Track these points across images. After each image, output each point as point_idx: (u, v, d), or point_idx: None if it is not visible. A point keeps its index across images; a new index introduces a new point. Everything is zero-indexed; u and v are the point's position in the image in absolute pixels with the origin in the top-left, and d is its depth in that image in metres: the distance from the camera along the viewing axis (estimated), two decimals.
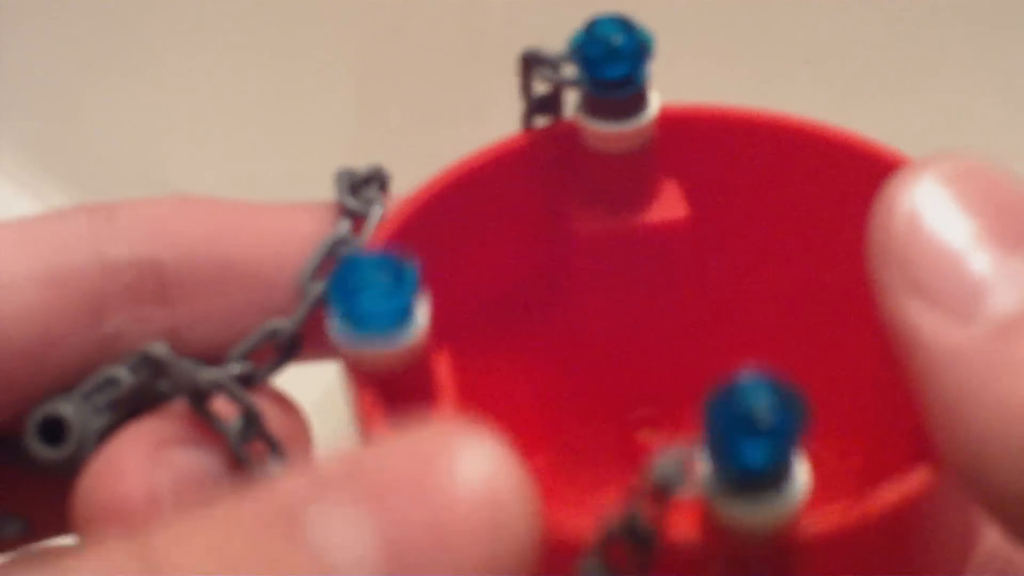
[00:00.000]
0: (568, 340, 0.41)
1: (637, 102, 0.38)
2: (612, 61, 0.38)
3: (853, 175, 0.38)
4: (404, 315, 0.33)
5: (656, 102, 0.38)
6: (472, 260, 0.39)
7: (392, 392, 0.33)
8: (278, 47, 0.63)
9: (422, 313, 0.33)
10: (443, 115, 0.62)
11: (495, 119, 0.62)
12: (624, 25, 0.38)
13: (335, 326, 0.32)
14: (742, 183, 0.40)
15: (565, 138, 0.39)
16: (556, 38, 0.57)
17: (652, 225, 0.39)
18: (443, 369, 0.35)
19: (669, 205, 0.39)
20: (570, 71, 0.38)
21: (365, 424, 0.32)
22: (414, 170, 0.63)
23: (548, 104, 0.39)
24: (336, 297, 0.32)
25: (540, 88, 0.39)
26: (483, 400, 0.37)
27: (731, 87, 0.61)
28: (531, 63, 0.38)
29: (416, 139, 0.63)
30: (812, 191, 0.39)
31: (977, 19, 0.60)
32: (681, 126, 0.39)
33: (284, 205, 0.38)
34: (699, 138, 0.39)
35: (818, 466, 0.29)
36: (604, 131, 0.38)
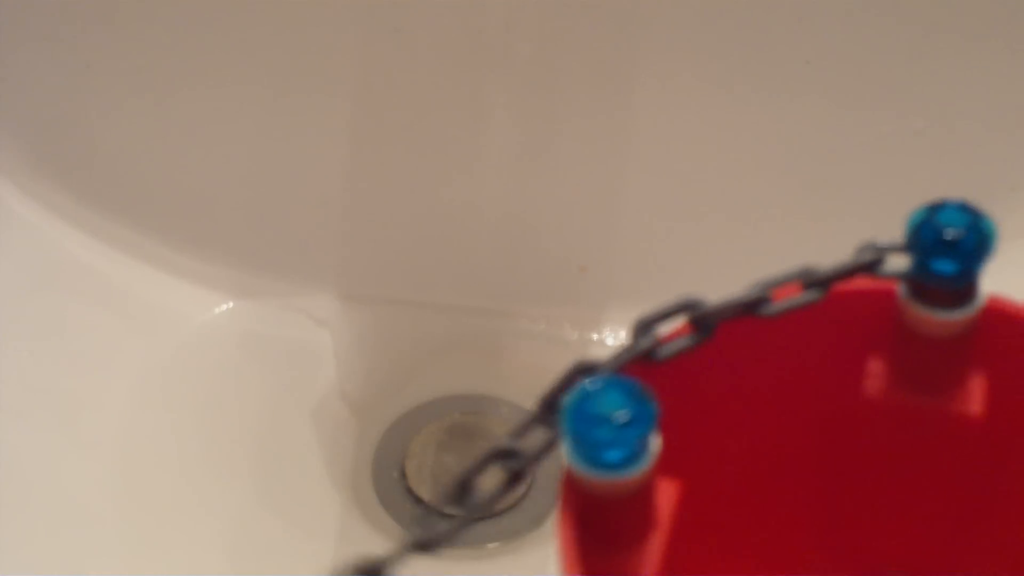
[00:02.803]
0: (819, 490, 0.42)
1: (965, 294, 0.38)
2: (947, 257, 0.37)
3: None
4: (635, 451, 0.35)
5: (984, 292, 0.38)
6: (743, 395, 0.40)
7: (607, 510, 0.36)
8: (278, 48, 0.63)
9: (653, 447, 0.35)
10: (443, 116, 0.62)
11: (495, 120, 0.61)
12: (968, 218, 0.37)
13: (567, 446, 0.35)
14: None
15: (879, 302, 0.39)
16: (556, 39, 0.55)
17: (947, 414, 0.39)
18: (667, 497, 0.37)
19: (970, 397, 0.39)
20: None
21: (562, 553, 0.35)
22: (414, 171, 0.63)
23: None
24: (572, 421, 0.34)
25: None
26: (707, 530, 0.39)
27: (731, 87, 0.60)
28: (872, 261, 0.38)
29: (416, 139, 0.63)
30: None
31: (976, 20, 0.57)
32: (1007, 322, 0.39)
33: None
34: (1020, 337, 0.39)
35: None
36: (925, 316, 0.38)
